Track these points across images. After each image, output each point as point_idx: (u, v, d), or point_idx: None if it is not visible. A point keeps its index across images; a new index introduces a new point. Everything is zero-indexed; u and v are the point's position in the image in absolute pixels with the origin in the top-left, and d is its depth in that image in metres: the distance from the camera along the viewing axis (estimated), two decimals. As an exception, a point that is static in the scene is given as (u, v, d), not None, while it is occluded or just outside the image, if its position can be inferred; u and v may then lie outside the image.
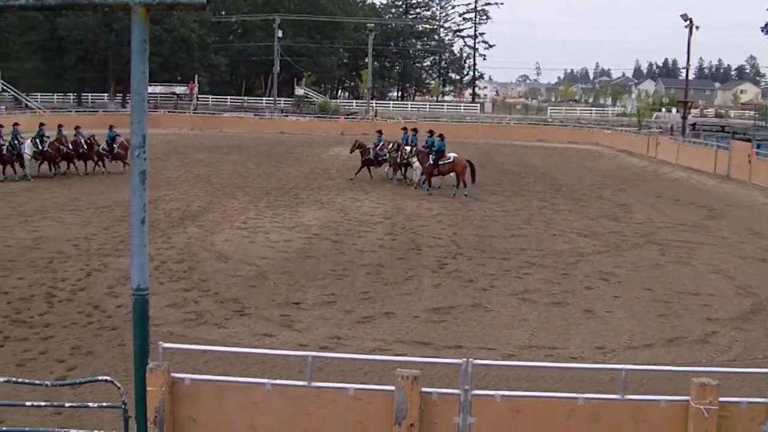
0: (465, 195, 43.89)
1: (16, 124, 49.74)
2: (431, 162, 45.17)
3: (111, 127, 52.41)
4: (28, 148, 47.40)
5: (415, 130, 49.71)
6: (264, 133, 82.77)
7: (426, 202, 41.03)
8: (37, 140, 48.27)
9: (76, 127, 51.26)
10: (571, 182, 52.34)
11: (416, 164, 46.49)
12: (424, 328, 20.73)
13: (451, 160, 45.24)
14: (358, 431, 10.57)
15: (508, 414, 10.48)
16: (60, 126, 50.83)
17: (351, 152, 52.58)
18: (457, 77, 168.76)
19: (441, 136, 47.15)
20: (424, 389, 10.38)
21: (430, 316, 21.77)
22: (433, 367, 14.97)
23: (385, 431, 10.42)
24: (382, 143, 50.97)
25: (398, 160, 48.24)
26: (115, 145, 51.62)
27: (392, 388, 10.36)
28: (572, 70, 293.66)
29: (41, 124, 50.13)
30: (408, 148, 47.83)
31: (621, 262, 28.70)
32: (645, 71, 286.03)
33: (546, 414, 10.50)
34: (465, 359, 10.44)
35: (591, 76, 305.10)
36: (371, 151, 50.79)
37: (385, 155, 49.94)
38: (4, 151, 47.05)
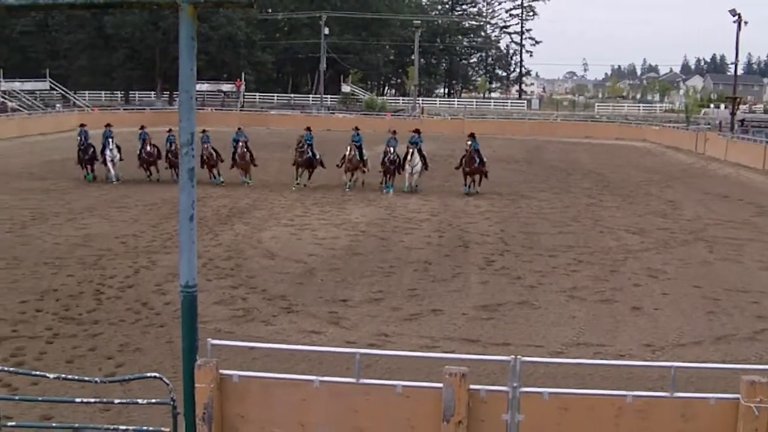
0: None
1: (108, 125, 48.49)
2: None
3: (142, 128, 50.04)
4: (112, 150, 46.23)
5: (417, 131, 47.59)
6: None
7: (473, 199, 40.94)
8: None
9: (142, 127, 49.77)
10: (619, 179, 52.05)
11: (417, 167, 44.32)
12: (471, 326, 20.71)
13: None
14: (405, 428, 10.55)
15: (556, 411, 10.44)
16: (143, 127, 49.75)
17: None
18: (504, 74, 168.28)
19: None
20: (472, 386, 10.34)
21: (477, 313, 21.74)
22: (481, 364, 14.95)
23: (433, 428, 10.40)
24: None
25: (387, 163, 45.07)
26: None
27: (440, 385, 10.34)
28: (619, 66, 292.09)
29: (108, 125, 48.31)
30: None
31: (669, 259, 28.53)
32: (693, 67, 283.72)
33: (594, 412, 10.44)
34: (513, 356, 10.40)
35: (638, 72, 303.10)
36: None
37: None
38: (90, 152, 46.34)
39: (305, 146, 45.91)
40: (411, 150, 44.16)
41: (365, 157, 46.01)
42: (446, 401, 10.26)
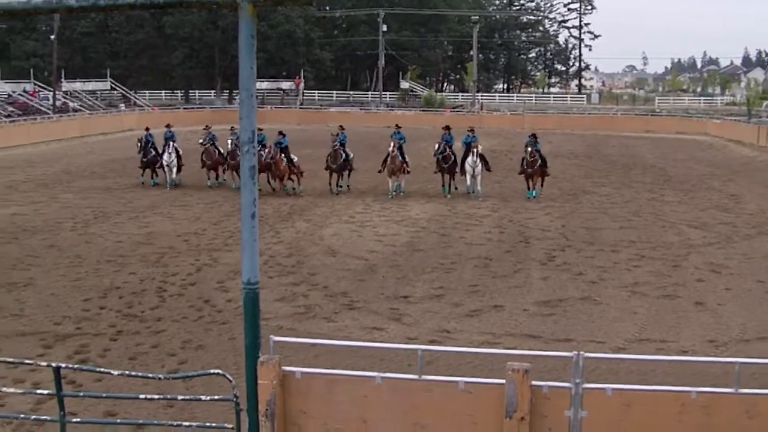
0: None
1: (168, 125, 46.55)
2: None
3: (168, 126, 46.56)
4: (171, 153, 43.77)
5: (471, 129, 43.07)
6: (370, 127, 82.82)
7: (533, 195, 40.80)
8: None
9: (206, 127, 47.12)
10: (680, 173, 51.63)
11: (478, 168, 40.23)
12: (533, 321, 20.67)
13: None
14: (467, 424, 10.54)
15: (619, 408, 10.38)
16: (207, 127, 46.49)
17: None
18: (563, 68, 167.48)
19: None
20: (534, 382, 10.31)
21: (539, 309, 21.69)
22: (543, 360, 14.90)
23: (495, 424, 10.37)
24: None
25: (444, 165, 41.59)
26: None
27: (503, 381, 10.31)
28: (679, 60, 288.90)
29: (168, 126, 46.34)
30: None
31: (732, 254, 28.29)
32: (754, 59, 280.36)
33: (658, 408, 10.37)
34: (576, 352, 10.35)
35: (699, 65, 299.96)
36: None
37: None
38: (150, 156, 44.66)
39: (338, 147, 42.14)
40: (473, 150, 40.27)
41: (407, 159, 42.29)
42: (509, 397, 10.24)
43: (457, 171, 41.45)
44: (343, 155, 42.10)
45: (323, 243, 29.50)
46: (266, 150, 41.30)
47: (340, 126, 45.07)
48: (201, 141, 44.66)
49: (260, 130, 42.11)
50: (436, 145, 42.22)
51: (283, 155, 41.56)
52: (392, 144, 40.70)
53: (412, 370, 10.92)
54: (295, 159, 42.46)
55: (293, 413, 10.92)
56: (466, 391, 10.51)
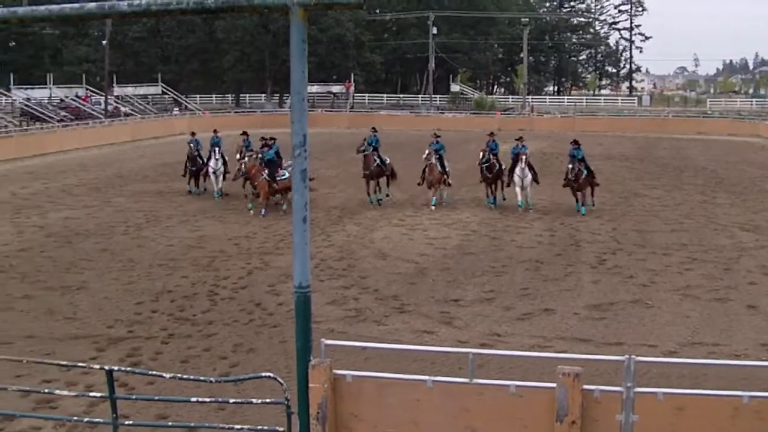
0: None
1: (215, 131, 44.63)
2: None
3: (215, 132, 44.34)
4: (217, 160, 41.63)
5: (520, 138, 40.00)
6: (420, 130, 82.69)
7: (585, 197, 40.58)
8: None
9: (192, 133, 45.13)
10: (732, 175, 51.16)
11: (527, 179, 37.51)
12: (583, 325, 20.62)
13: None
14: (518, 428, 10.53)
15: (671, 412, 10.31)
16: (245, 133, 43.26)
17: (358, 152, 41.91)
18: (614, 70, 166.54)
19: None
20: (585, 386, 10.28)
21: (590, 312, 21.64)
22: (594, 364, 14.85)
23: (546, 428, 10.36)
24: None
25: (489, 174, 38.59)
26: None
27: (554, 385, 10.29)
28: (731, 61, 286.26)
29: (215, 131, 44.39)
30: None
31: (785, 257, 28.06)
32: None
33: (710, 412, 10.29)
34: (627, 356, 10.31)
35: (751, 66, 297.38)
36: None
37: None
38: (198, 164, 42.72)
39: (369, 151, 39.56)
40: (522, 158, 37.55)
41: (447, 168, 39.48)
42: (560, 401, 10.21)
43: (503, 180, 38.91)
44: (377, 160, 39.42)
45: (374, 246, 29.55)
46: (241, 155, 39.17)
47: (373, 128, 42.25)
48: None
49: (245, 134, 41.91)
50: (480, 153, 39.47)
51: (263, 167, 36.80)
52: (427, 152, 38.56)
53: (463, 374, 10.93)
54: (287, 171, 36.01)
55: (344, 416, 10.95)
56: (517, 395, 10.50)
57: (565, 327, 20.48)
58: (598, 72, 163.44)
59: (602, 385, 10.67)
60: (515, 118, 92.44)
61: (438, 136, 41.06)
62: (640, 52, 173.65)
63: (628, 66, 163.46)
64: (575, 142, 38.62)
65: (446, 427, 10.72)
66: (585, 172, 37.31)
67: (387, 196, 40.35)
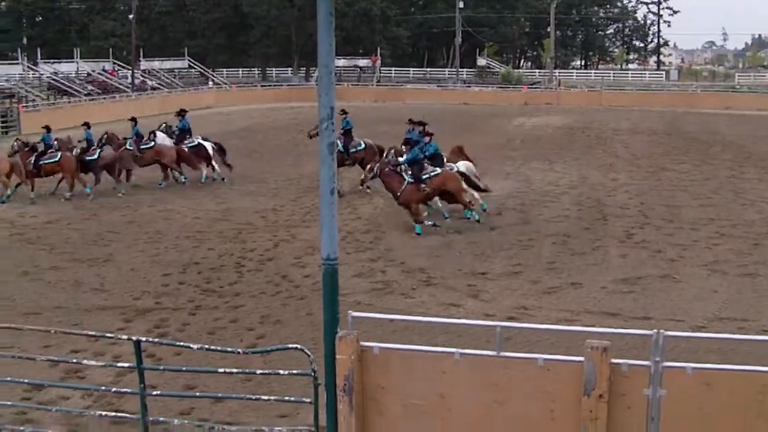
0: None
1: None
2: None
3: (133, 121, 39.35)
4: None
5: (421, 123, 33.58)
6: (447, 103, 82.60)
7: (612, 172, 40.38)
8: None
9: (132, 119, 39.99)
10: (761, 150, 50.66)
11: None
12: (611, 299, 20.58)
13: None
14: (546, 401, 10.51)
15: (699, 387, 10.26)
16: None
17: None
18: (641, 45, 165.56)
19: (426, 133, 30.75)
20: (613, 360, 10.23)
21: (617, 286, 21.58)
22: (622, 338, 14.80)
23: (573, 402, 10.33)
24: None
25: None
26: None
27: (581, 358, 10.25)
28: (760, 35, 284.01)
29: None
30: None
31: (815, 232, 27.88)
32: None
33: (738, 387, 10.23)
34: (656, 330, 10.25)
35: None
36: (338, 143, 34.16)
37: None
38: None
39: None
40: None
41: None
42: (587, 375, 10.18)
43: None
44: (340, 146, 34.11)
45: (400, 219, 29.47)
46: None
47: (342, 110, 35.06)
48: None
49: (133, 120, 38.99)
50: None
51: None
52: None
53: (490, 347, 10.88)
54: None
55: (371, 388, 10.96)
56: (544, 368, 10.48)
57: (593, 301, 20.45)
58: (625, 46, 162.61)
59: (630, 359, 10.62)
60: (542, 92, 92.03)
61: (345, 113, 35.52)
62: (668, 26, 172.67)
63: (655, 40, 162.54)
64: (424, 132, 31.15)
65: (473, 400, 10.71)
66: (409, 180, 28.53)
67: (362, 186, 33.62)
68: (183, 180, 37.43)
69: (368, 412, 11.03)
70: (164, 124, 39.92)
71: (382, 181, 28.61)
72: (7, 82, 76.76)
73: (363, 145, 36.54)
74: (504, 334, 10.65)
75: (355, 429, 10.86)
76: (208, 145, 38.32)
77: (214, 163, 37.96)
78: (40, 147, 35.44)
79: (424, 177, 27.74)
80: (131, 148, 37.12)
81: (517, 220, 29.56)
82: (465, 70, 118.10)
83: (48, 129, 36.73)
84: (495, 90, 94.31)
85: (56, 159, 35.32)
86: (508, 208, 31.72)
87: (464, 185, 28.52)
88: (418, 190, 27.68)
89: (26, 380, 13.95)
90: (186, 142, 38.16)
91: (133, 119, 39.16)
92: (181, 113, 39.74)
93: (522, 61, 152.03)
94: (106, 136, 37.35)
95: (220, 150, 38.33)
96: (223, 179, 37.90)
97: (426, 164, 28.46)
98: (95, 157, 35.83)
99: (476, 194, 29.45)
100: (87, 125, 37.53)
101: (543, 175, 39.48)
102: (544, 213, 30.73)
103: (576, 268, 23.31)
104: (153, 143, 37.56)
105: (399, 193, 27.94)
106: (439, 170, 28.16)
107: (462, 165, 30.16)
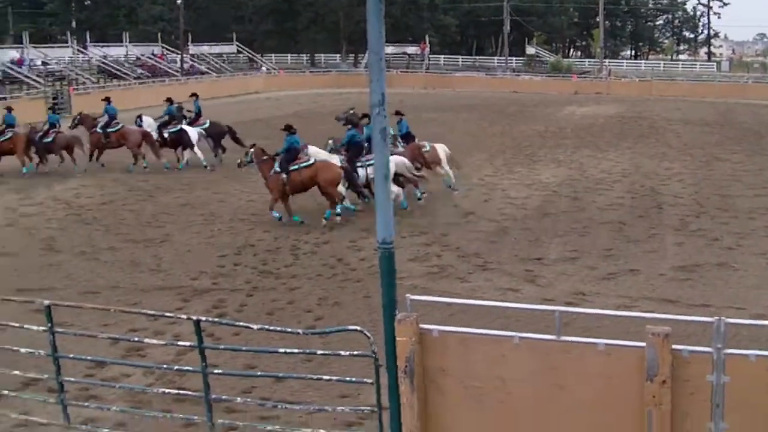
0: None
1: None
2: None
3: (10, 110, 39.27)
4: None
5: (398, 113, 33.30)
6: (496, 92, 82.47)
7: (666, 161, 40.12)
8: None
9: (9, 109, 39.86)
10: (814, 141, 50.21)
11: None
12: (669, 286, 20.45)
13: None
14: (606, 386, 10.45)
15: (763, 373, 10.16)
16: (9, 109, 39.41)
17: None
18: (691, 36, 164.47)
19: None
20: (674, 346, 10.18)
21: (675, 274, 21.44)
22: (678, 325, 14.71)
23: (633, 387, 10.26)
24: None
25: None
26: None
27: (642, 344, 10.19)
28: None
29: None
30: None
31: None
32: None
33: (803, 375, 10.18)
34: (717, 317, 10.18)
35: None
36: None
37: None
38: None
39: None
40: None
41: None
42: (650, 360, 10.11)
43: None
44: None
45: (454, 204, 29.51)
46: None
47: (287, 126, 28.25)
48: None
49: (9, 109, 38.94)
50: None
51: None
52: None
53: (548, 332, 10.86)
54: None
55: (431, 370, 10.96)
56: (605, 353, 10.42)
57: (651, 288, 20.32)
58: (675, 37, 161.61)
59: (689, 346, 10.55)
60: (592, 82, 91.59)
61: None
62: (718, 17, 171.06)
63: (705, 31, 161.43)
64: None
65: (532, 384, 10.68)
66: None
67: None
68: (166, 166, 37.77)
69: (429, 394, 11.04)
70: (177, 105, 40.39)
71: (257, 167, 27.98)
72: (57, 64, 77.44)
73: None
74: (562, 320, 10.63)
75: (417, 410, 10.88)
76: (193, 132, 38.53)
77: (197, 150, 38.23)
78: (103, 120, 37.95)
79: (292, 168, 27.13)
80: (100, 131, 37.95)
81: (570, 207, 29.47)
82: (514, 58, 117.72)
83: (170, 101, 39.88)
84: (544, 79, 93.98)
85: (7, 137, 36.67)
86: (562, 195, 31.63)
87: (341, 180, 27.26)
88: (280, 179, 27.13)
89: (89, 357, 14.11)
90: (169, 127, 38.61)
91: (169, 99, 40.29)
92: (194, 96, 41.17)
93: (571, 50, 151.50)
94: (79, 116, 38.92)
95: (232, 136, 38.92)
96: (206, 167, 37.62)
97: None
98: (50, 139, 36.83)
99: (395, 188, 28.04)
100: (169, 100, 39.81)
101: (596, 163, 39.26)
102: (597, 201, 30.59)
103: (633, 255, 23.17)
104: (120, 126, 38.21)
105: (266, 180, 27.61)
106: (312, 161, 27.42)
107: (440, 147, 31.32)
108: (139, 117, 39.35)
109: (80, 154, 37.26)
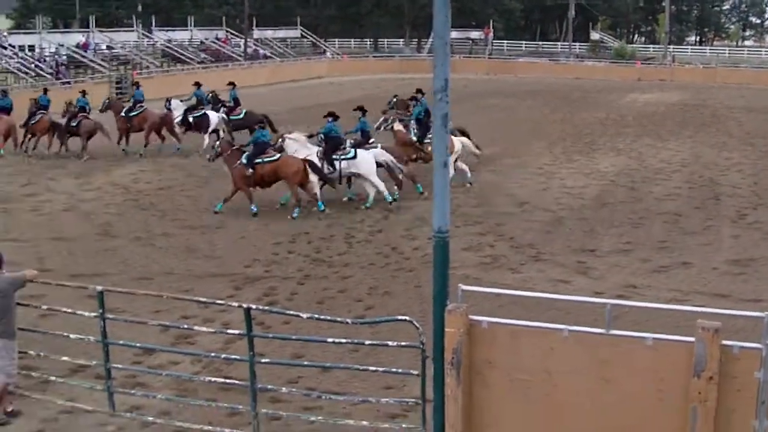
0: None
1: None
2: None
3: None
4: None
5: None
6: (559, 78, 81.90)
7: (726, 151, 39.68)
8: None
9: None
10: None
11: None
12: (722, 280, 20.32)
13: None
14: (653, 381, 10.42)
15: (814, 373, 10.11)
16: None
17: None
18: (758, 21, 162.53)
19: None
20: (724, 342, 10.10)
21: (729, 267, 21.28)
22: (732, 320, 14.59)
23: (681, 382, 10.23)
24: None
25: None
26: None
27: (691, 339, 10.14)
28: None
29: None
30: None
31: None
32: None
33: None
34: (767, 313, 10.10)
35: None
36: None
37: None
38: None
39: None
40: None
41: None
42: (698, 356, 10.07)
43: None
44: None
45: (510, 194, 29.47)
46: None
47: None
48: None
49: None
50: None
51: None
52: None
53: (598, 325, 10.84)
54: None
55: (478, 362, 10.98)
56: (653, 348, 10.40)
57: (703, 281, 20.20)
58: (741, 23, 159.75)
59: (741, 341, 10.46)
60: (656, 68, 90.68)
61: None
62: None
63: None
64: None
65: (579, 377, 10.67)
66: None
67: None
68: (178, 149, 38.55)
69: (475, 386, 11.05)
70: (212, 94, 41.11)
71: (223, 158, 28.06)
72: (122, 49, 77.94)
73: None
74: (612, 312, 10.58)
75: (461, 403, 10.89)
76: (214, 117, 39.03)
77: (206, 136, 38.75)
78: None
79: (257, 162, 27.17)
80: (124, 115, 38.81)
81: (628, 198, 29.31)
82: (578, 44, 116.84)
83: (198, 85, 40.92)
84: (607, 65, 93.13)
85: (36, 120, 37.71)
86: (619, 185, 31.44)
87: (310, 175, 27.17)
88: (244, 172, 27.09)
89: (138, 344, 14.25)
90: (194, 111, 39.03)
91: (197, 84, 41.24)
92: (231, 84, 41.70)
93: (635, 35, 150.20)
94: (108, 101, 40.37)
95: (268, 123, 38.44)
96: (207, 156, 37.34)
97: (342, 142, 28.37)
98: (75, 124, 37.46)
99: (380, 185, 27.87)
100: (197, 84, 40.86)
101: (655, 152, 38.89)
102: (655, 191, 30.38)
103: (687, 248, 23.02)
104: (142, 110, 38.95)
105: (231, 172, 27.53)
106: (276, 156, 27.42)
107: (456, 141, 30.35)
108: (168, 100, 40.09)
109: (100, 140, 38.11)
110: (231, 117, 39.40)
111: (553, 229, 25.10)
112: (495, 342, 10.91)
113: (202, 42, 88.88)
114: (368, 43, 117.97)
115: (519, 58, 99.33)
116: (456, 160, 29.99)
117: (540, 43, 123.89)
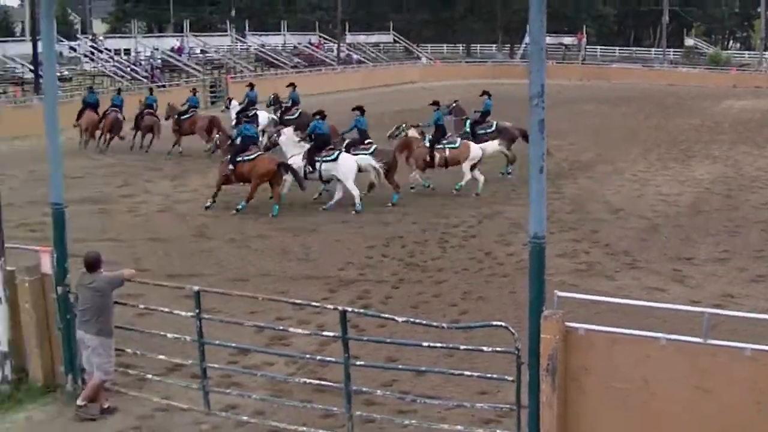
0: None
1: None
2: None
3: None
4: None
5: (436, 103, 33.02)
6: (653, 84, 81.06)
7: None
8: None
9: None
10: None
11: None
12: (821, 289, 19.96)
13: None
14: (752, 392, 10.31)
15: None
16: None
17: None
18: None
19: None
20: (826, 355, 9.97)
21: (829, 278, 20.91)
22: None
23: (780, 394, 10.12)
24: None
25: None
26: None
27: (792, 351, 10.03)
28: None
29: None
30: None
31: None
32: None
33: None
34: None
35: None
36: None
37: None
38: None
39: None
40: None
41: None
42: (798, 368, 9.95)
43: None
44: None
45: (605, 200, 29.31)
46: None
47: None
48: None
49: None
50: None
51: None
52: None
53: (694, 334, 10.75)
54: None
55: (574, 369, 10.95)
56: (752, 358, 10.29)
57: (803, 291, 19.89)
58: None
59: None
60: (751, 75, 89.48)
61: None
62: None
63: None
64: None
65: (676, 386, 10.59)
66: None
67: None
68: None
69: (570, 393, 11.02)
70: (274, 95, 42.94)
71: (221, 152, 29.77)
72: (216, 53, 78.80)
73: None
74: (710, 322, 10.48)
75: (557, 410, 10.87)
76: (263, 116, 40.13)
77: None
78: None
79: (238, 159, 27.77)
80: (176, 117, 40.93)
81: (723, 206, 28.95)
82: (672, 50, 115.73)
83: (194, 91, 43.78)
84: (702, 71, 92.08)
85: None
86: (715, 192, 31.09)
87: (284, 174, 28.01)
88: (226, 169, 27.96)
89: (233, 344, 14.40)
90: (246, 112, 39.68)
91: (250, 85, 43.48)
92: (291, 85, 43.22)
93: (730, 42, 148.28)
94: (168, 106, 42.22)
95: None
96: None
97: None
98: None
99: (354, 191, 27.97)
100: (251, 86, 43.20)
101: (752, 160, 38.39)
102: (751, 199, 29.99)
103: (785, 258, 22.68)
104: (192, 114, 40.81)
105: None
106: (255, 154, 27.87)
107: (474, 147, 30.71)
108: (229, 100, 42.97)
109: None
110: (286, 117, 40.42)
111: (648, 236, 24.89)
112: (591, 349, 10.88)
113: (295, 47, 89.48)
114: (461, 48, 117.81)
115: (612, 64, 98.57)
116: (473, 168, 30.31)
117: (634, 48, 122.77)
